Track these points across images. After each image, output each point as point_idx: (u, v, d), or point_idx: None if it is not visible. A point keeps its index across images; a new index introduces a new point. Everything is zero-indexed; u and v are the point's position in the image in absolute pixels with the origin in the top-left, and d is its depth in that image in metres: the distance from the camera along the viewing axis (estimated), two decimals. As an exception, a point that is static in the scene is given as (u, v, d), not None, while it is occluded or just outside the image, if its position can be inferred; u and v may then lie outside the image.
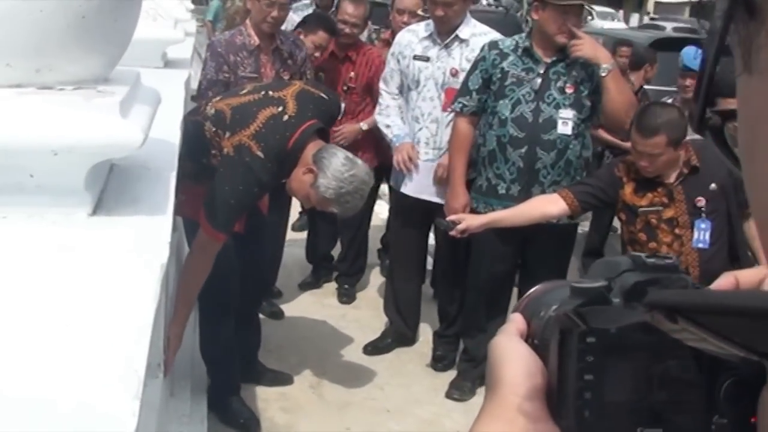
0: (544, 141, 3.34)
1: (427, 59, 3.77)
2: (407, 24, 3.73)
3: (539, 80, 3.35)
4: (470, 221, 3.03)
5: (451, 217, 3.08)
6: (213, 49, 3.80)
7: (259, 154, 2.82)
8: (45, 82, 1.22)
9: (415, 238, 4.04)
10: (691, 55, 4.94)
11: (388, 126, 3.92)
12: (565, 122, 3.34)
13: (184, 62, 3.37)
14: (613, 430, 0.59)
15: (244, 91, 2.96)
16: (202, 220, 2.83)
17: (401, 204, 3.98)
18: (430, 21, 3.85)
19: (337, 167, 2.80)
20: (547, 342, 0.62)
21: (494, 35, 3.73)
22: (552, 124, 3.35)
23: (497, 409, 0.62)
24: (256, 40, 3.83)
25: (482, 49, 3.50)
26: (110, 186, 1.43)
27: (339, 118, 4.57)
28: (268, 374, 3.57)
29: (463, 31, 3.72)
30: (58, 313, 0.93)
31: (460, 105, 3.48)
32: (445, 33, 3.74)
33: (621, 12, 37.12)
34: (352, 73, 4.41)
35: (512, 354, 0.64)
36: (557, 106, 3.34)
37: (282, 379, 3.59)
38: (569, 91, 3.34)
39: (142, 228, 1.22)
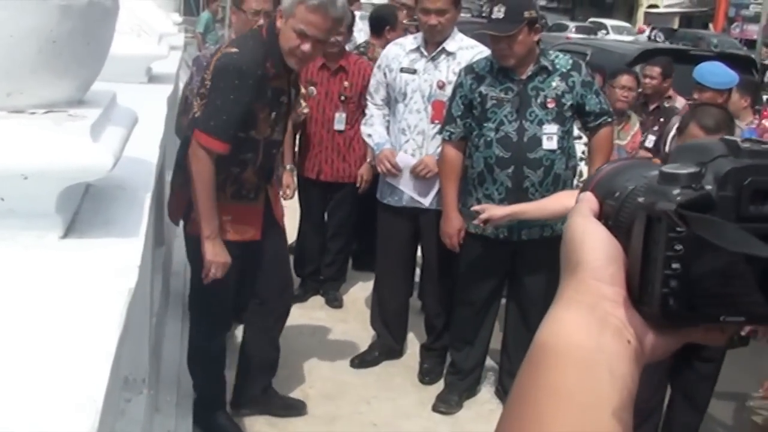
0: (531, 160, 3.35)
1: (413, 72, 3.79)
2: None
3: (518, 98, 3.36)
4: (493, 211, 2.98)
5: (476, 207, 3.04)
6: (199, 64, 3.83)
7: (233, 50, 2.87)
8: (16, 105, 1.23)
9: (402, 250, 4.04)
10: (703, 71, 4.97)
11: (369, 135, 3.96)
12: (550, 137, 3.36)
13: (169, 77, 3.38)
14: (696, 319, 0.58)
15: None
16: (194, 133, 2.81)
17: (388, 216, 3.98)
18: (418, 35, 3.87)
19: None
20: (625, 225, 0.61)
21: (481, 48, 3.75)
22: (537, 141, 3.36)
23: (577, 294, 0.61)
24: None
25: (459, 75, 3.52)
26: (84, 207, 1.43)
27: (341, 128, 4.65)
28: (279, 401, 3.47)
29: (449, 45, 3.75)
30: (21, 339, 0.94)
31: (448, 133, 3.50)
32: (432, 45, 3.76)
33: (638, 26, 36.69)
34: (346, 83, 4.45)
35: (592, 236, 0.63)
36: (540, 123, 3.35)
37: (295, 407, 3.49)
38: (551, 105, 3.36)
39: (113, 251, 1.22)
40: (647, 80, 5.72)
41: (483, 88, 3.41)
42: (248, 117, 2.89)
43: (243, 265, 3.11)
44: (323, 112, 4.46)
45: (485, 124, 3.40)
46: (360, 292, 4.86)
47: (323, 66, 4.43)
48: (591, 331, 0.58)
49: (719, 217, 0.56)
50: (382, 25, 5.06)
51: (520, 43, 3.28)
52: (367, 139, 4.02)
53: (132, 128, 1.50)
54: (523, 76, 3.38)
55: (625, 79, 5.37)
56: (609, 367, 0.57)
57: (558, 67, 3.40)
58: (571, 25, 33.87)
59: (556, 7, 47.66)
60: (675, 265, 0.57)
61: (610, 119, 3.49)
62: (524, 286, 3.60)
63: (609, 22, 35.31)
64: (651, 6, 43.78)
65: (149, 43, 3.07)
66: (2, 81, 1.20)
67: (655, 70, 5.82)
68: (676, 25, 37.07)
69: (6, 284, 1.08)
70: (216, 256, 2.92)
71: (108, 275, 1.13)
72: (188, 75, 3.84)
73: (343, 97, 4.46)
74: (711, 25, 35.89)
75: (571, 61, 3.45)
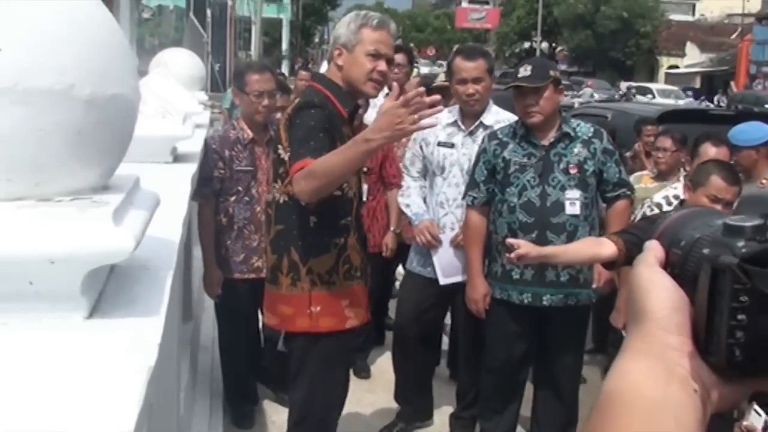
0: (554, 225, 3.39)
1: (452, 146, 3.85)
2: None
3: (541, 164, 3.42)
4: (528, 249, 3.00)
5: (510, 241, 3.06)
6: (208, 146, 3.93)
7: (297, 100, 2.87)
8: (44, 194, 1.30)
9: (431, 320, 4.05)
10: (736, 132, 4.84)
11: (407, 205, 4.01)
12: (573, 203, 3.39)
13: (194, 156, 3.49)
14: (763, 370, 0.58)
15: None
16: (292, 169, 2.70)
17: (416, 284, 3.99)
18: (453, 108, 3.95)
19: (344, 20, 2.92)
20: (690, 275, 0.61)
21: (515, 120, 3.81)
22: (560, 206, 3.40)
23: (644, 344, 0.61)
24: (249, 133, 3.97)
25: (482, 141, 3.58)
26: (109, 287, 1.49)
27: (363, 200, 4.71)
28: None
29: (487, 118, 3.82)
30: (40, 418, 0.98)
31: (471, 198, 3.56)
32: (469, 119, 3.83)
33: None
34: None
35: (657, 286, 0.63)
36: (563, 188, 3.39)
37: None
38: (573, 171, 3.40)
39: (134, 330, 1.27)
40: (659, 154, 5.26)
41: (506, 153, 3.47)
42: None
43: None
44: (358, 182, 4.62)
45: (508, 189, 3.45)
46: (387, 361, 4.86)
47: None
48: (658, 381, 0.60)
49: None
50: None
51: (546, 99, 3.35)
52: (405, 210, 4.06)
53: (154, 210, 1.57)
54: (546, 142, 3.44)
55: (659, 141, 5.28)
56: (675, 416, 0.58)
57: (580, 134, 3.46)
58: (623, 85, 33.12)
59: (577, 71, 48.14)
60: (740, 317, 0.57)
61: (629, 192, 3.51)
62: (552, 354, 3.59)
63: (654, 86, 34.43)
64: (671, 67, 44.00)
65: (174, 124, 3.19)
66: (31, 172, 1.28)
67: (667, 142, 5.26)
68: (698, 85, 37.10)
69: (30, 366, 1.13)
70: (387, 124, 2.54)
71: (128, 354, 1.18)
72: (205, 153, 3.90)
73: (365, 169, 4.54)
74: (732, 84, 35.84)
75: (592, 129, 3.50)
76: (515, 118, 3.84)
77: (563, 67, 53.85)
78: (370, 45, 2.84)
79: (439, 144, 3.88)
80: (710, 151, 4.40)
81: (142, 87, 3.43)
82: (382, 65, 2.83)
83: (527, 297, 3.46)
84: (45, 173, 1.29)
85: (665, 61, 46.90)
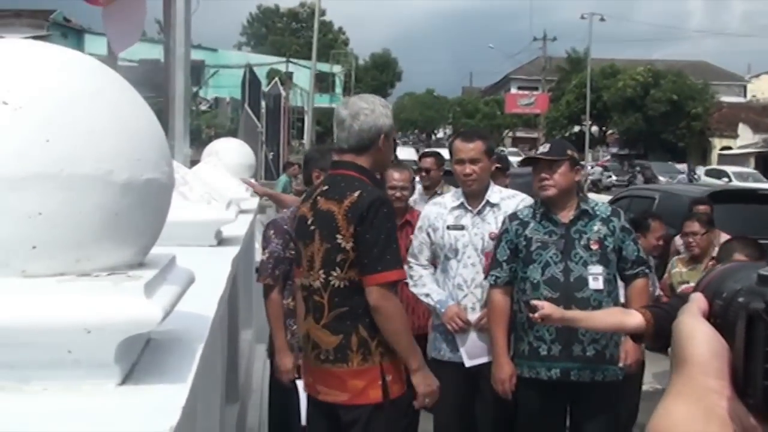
0: (579, 299, 3.43)
1: (462, 228, 3.94)
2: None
3: (563, 241, 3.48)
4: (552, 310, 3.05)
5: (535, 302, 3.11)
6: (277, 227, 4.00)
7: (357, 192, 3.01)
8: (84, 270, 1.42)
9: (461, 405, 4.05)
10: None
11: (427, 294, 4.03)
12: (596, 278, 3.45)
13: (237, 239, 3.63)
14: None
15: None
16: (367, 281, 2.89)
17: (445, 371, 3.99)
18: (457, 191, 4.06)
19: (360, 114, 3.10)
20: (731, 324, 0.66)
21: (522, 196, 3.92)
22: (583, 281, 3.45)
23: (685, 387, 0.67)
24: None
25: (504, 222, 3.67)
26: (144, 358, 1.60)
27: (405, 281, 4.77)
28: None
29: (492, 197, 3.93)
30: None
31: (494, 277, 3.62)
32: (475, 199, 3.93)
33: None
34: (412, 237, 4.61)
35: (698, 334, 0.68)
36: (585, 263, 3.45)
37: None
38: (594, 247, 3.46)
39: (162, 395, 1.37)
40: (690, 239, 5.31)
41: (528, 232, 3.56)
42: None
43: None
44: None
45: (531, 266, 3.52)
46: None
47: None
48: (698, 422, 0.65)
49: None
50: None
51: (561, 175, 3.45)
52: (424, 299, 4.07)
53: (187, 286, 1.68)
54: (566, 220, 3.52)
55: (686, 225, 5.30)
56: None
57: (599, 212, 3.53)
58: (702, 170, 31.33)
59: (628, 154, 48.01)
60: None
61: (647, 270, 3.55)
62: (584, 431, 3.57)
63: (730, 168, 32.80)
64: (724, 148, 43.61)
65: (218, 209, 3.34)
66: (72, 249, 1.40)
67: (695, 226, 5.33)
68: (752, 166, 36.46)
69: (63, 428, 1.23)
70: (429, 384, 2.99)
71: (154, 416, 1.27)
72: (266, 239, 3.98)
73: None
74: (788, 163, 35.15)
75: (610, 209, 3.58)
76: (520, 194, 3.95)
77: (614, 150, 53.82)
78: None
79: (449, 228, 3.95)
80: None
81: (192, 174, 3.62)
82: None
83: (556, 372, 3.47)
84: (85, 251, 1.42)
85: (718, 143, 46.57)
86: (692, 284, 4.54)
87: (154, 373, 1.50)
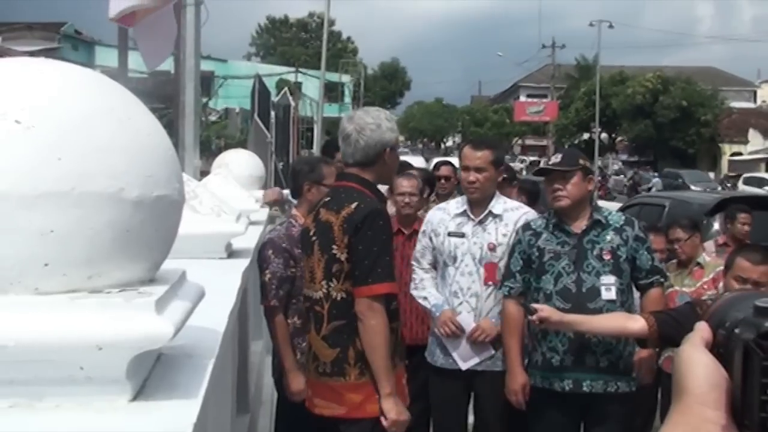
0: (591, 310, 3.42)
1: (462, 235, 3.94)
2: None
3: (575, 251, 3.48)
4: (550, 313, 3.04)
5: (534, 306, 3.10)
6: (275, 246, 3.92)
7: (355, 204, 2.99)
8: (95, 286, 1.43)
9: (458, 414, 4.03)
10: None
11: (425, 298, 4.06)
12: (608, 288, 3.44)
13: (247, 252, 3.64)
14: None
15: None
16: (357, 292, 2.88)
17: (443, 380, 3.98)
18: (461, 198, 4.06)
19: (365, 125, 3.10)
20: (731, 354, 0.67)
21: (526, 209, 3.92)
22: (596, 292, 3.44)
23: (683, 417, 0.68)
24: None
25: (517, 233, 3.67)
26: (155, 373, 1.61)
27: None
28: None
29: (495, 207, 3.92)
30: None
31: (507, 288, 3.62)
32: (478, 208, 3.93)
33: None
34: None
35: (697, 365, 0.69)
36: (597, 274, 3.44)
37: None
38: (607, 257, 3.45)
39: (174, 411, 1.38)
40: (676, 246, 5.28)
41: (540, 243, 3.55)
42: None
43: None
44: (400, 276, 4.61)
45: (543, 277, 3.51)
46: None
47: (398, 231, 4.59)
48: None
49: None
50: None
51: (574, 185, 3.44)
52: (422, 303, 4.09)
53: (197, 301, 1.69)
54: (578, 230, 3.51)
55: (670, 232, 5.32)
56: None
57: (612, 222, 3.52)
58: (741, 185, 28.89)
59: (638, 161, 47.89)
60: None
61: (662, 279, 3.54)
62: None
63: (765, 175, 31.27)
64: (734, 154, 43.44)
65: (228, 222, 3.35)
66: (84, 266, 1.42)
67: (678, 233, 5.28)
68: (762, 171, 36.19)
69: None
70: (400, 414, 2.90)
71: (166, 430, 1.28)
72: (264, 259, 3.93)
73: None
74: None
75: (623, 218, 3.57)
76: (524, 207, 3.94)
77: (624, 157, 53.68)
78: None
79: (450, 234, 3.96)
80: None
81: (203, 187, 3.64)
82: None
83: (568, 384, 3.46)
84: (97, 267, 1.43)
85: (727, 149, 46.41)
86: (677, 288, 4.57)
87: (165, 388, 1.51)
